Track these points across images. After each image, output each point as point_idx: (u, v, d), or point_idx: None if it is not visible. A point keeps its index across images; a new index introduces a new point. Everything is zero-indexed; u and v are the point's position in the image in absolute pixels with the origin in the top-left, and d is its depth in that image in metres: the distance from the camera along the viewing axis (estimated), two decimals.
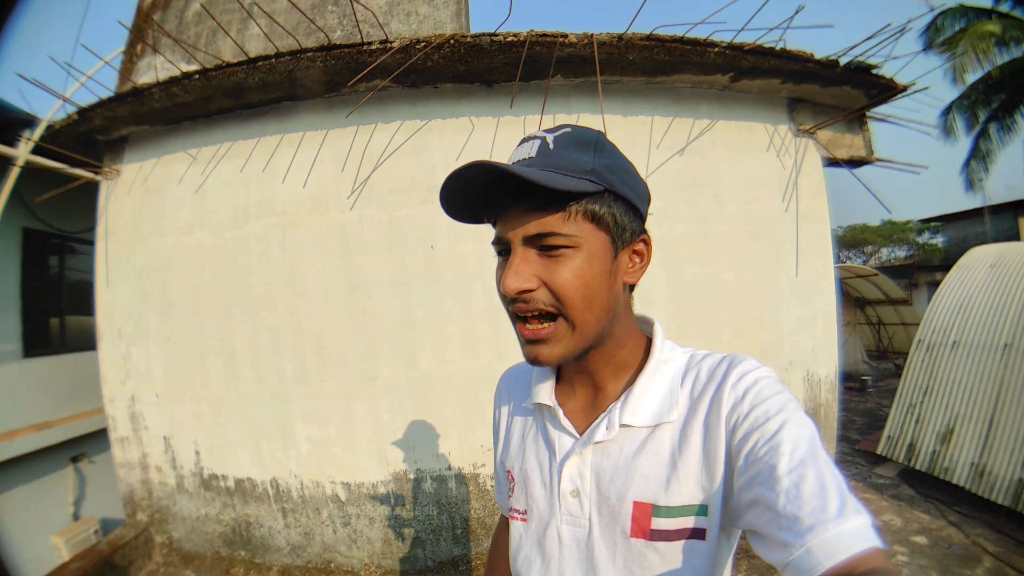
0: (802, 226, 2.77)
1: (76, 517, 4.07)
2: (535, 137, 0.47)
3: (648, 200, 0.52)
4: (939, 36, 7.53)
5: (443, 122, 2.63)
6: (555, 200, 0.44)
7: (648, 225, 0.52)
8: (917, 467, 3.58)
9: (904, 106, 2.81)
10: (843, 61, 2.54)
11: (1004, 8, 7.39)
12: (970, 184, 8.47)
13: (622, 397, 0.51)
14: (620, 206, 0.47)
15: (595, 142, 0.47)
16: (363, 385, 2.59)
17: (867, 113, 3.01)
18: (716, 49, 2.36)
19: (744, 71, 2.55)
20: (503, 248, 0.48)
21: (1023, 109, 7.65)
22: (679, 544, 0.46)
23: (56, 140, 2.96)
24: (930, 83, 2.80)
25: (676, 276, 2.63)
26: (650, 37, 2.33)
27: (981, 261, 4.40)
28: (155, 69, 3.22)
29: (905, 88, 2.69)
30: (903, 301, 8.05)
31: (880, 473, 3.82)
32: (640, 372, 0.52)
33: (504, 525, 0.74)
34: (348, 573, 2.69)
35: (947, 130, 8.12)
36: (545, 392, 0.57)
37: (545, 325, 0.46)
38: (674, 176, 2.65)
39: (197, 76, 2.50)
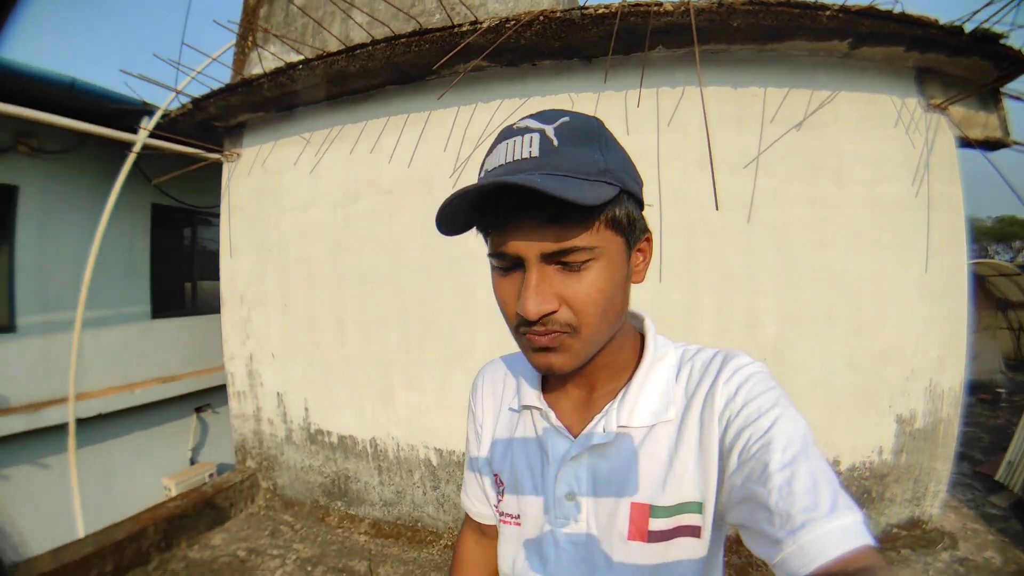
0: (933, 215, 2.58)
1: (193, 462, 4.79)
2: (529, 130, 0.43)
3: (643, 187, 0.50)
4: None
5: (542, 99, 2.75)
6: (577, 210, 0.40)
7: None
8: None
9: None
10: (968, 28, 2.32)
11: None
12: None
13: (618, 397, 0.52)
14: (633, 205, 0.46)
15: (599, 134, 0.45)
16: (460, 357, 2.83)
17: (1001, 90, 2.72)
18: (827, 12, 2.26)
19: (863, 37, 2.41)
20: (510, 264, 0.45)
21: None
22: (676, 542, 0.48)
23: (173, 128, 3.45)
24: None
25: (791, 263, 2.57)
26: (753, 1, 2.28)
27: None
28: (265, 60, 3.63)
29: None
30: None
31: (995, 502, 3.49)
32: (635, 371, 0.52)
33: (470, 533, 0.71)
34: (432, 534, 2.98)
35: None
36: (534, 393, 0.57)
37: (561, 335, 0.45)
38: (790, 153, 2.57)
39: (301, 66, 2.80)
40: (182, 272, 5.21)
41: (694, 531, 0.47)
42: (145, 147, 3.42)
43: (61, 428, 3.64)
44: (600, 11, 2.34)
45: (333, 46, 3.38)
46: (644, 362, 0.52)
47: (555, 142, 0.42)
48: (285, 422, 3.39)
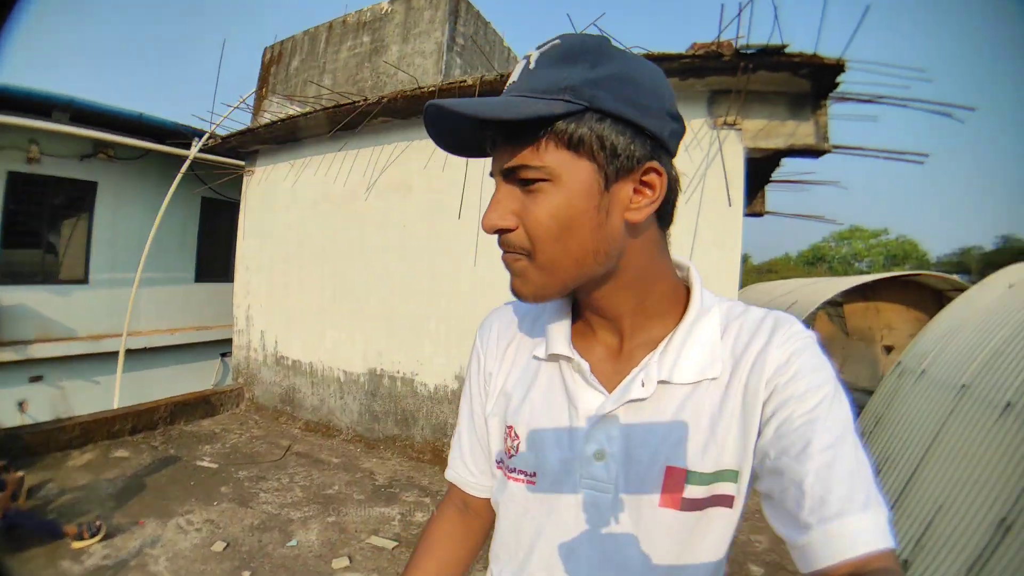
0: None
1: None
2: (526, 57, 0.48)
3: (672, 117, 0.49)
4: None
5: (420, 142, 4.64)
6: (526, 129, 0.45)
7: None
8: None
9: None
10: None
11: None
12: None
13: (659, 349, 0.53)
14: (611, 126, 0.45)
15: (586, 52, 0.46)
16: (362, 310, 4.82)
17: (825, 96, 2.99)
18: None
19: None
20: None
21: None
22: (708, 512, 0.50)
23: (213, 150, 5.87)
24: None
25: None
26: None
27: (1003, 279, 4.33)
28: (272, 107, 5.97)
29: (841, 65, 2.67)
30: None
31: None
32: (679, 323, 0.53)
33: (450, 507, 0.71)
34: (337, 430, 4.94)
35: None
36: (562, 340, 0.57)
37: (519, 258, 0.49)
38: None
39: (278, 122, 4.95)
40: (221, 249, 7.85)
41: (728, 501, 0.50)
42: (195, 160, 5.93)
43: (114, 355, 5.85)
44: (452, 84, 4.01)
45: (312, 95, 5.62)
46: (689, 314, 0.53)
47: (532, 65, 0.47)
48: (263, 350, 5.63)
